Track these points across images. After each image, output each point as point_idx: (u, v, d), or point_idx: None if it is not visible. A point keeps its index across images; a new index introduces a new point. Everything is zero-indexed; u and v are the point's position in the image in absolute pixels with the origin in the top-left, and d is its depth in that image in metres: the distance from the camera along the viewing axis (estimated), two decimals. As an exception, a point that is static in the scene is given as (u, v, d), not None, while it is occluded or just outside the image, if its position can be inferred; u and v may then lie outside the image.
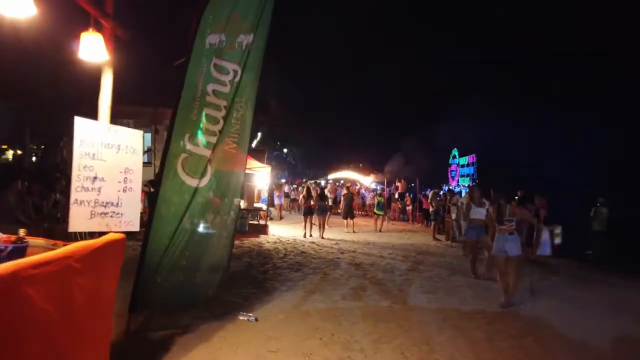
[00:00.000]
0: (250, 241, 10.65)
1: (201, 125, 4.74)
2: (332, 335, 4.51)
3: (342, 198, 16.07)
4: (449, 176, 35.76)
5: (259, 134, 36.92)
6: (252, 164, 13.23)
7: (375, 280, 7.12)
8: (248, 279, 6.70)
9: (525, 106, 31.82)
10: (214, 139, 4.80)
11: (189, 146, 4.64)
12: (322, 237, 12.81)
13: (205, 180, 4.69)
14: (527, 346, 4.65)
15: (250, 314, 4.88)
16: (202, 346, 4.05)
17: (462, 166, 34.31)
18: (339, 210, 21.85)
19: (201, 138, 4.71)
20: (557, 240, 6.21)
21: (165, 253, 4.36)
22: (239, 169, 5.00)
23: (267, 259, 8.41)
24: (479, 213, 7.57)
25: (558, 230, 6.17)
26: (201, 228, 4.59)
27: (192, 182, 4.60)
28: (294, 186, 25.59)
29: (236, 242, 10.05)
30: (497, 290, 6.92)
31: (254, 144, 36.39)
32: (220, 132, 4.82)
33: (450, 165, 36.61)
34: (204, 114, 4.76)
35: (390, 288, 6.70)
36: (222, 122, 4.83)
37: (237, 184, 4.96)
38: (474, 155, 32.65)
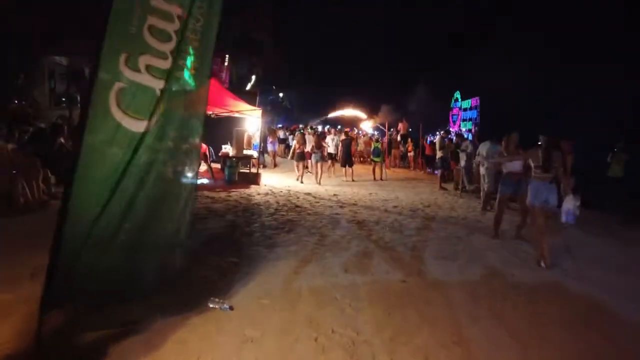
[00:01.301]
0: (238, 193, 9.35)
1: (145, 41, 3.25)
2: (331, 333, 3.28)
3: (340, 144, 14.62)
4: (450, 120, 34.11)
5: (253, 77, 34.78)
6: (241, 106, 11.67)
7: (382, 243, 5.90)
8: (229, 244, 5.44)
9: (534, 46, 29.60)
10: (165, 64, 3.31)
11: (127, 72, 3.16)
12: (319, 184, 12.02)
13: (155, 124, 3.27)
14: (591, 340, 3.47)
15: (224, 302, 3.62)
16: (148, 357, 2.83)
17: (465, 110, 32.57)
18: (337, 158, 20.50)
19: (146, 61, 3.24)
20: (577, 212, 5.60)
21: (96, 226, 3.01)
22: (199, 108, 3.55)
23: (255, 216, 7.13)
24: (515, 164, 6.23)
25: (579, 202, 5.57)
26: (148, 190, 3.22)
27: (134, 126, 3.17)
28: (300, 131, 22.74)
29: (222, 195, 8.77)
30: (526, 253, 5.76)
31: (248, 87, 34.41)
32: (173, 53, 3.33)
33: (451, 108, 34.83)
34: (147, 25, 3.26)
35: (401, 253, 5.48)
36: (175, 38, 3.33)
37: (197, 128, 3.52)
38: (477, 98, 30.85)
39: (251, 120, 12.48)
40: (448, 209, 8.98)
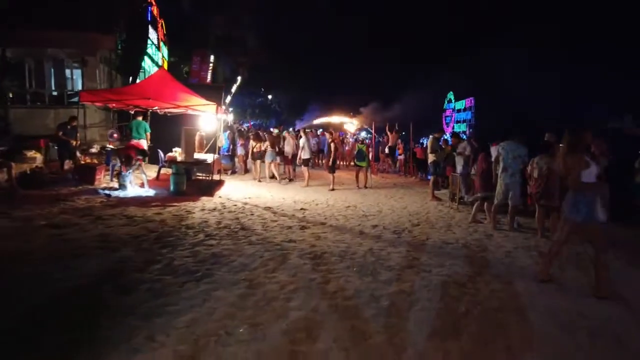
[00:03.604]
0: (176, 209, 7.04)
1: None
2: None
3: (329, 146, 12.26)
4: (444, 122, 31.91)
5: (239, 78, 32.51)
6: (193, 101, 9.34)
7: (341, 300, 3.60)
8: (76, 314, 3.14)
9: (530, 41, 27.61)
10: None
11: None
12: (259, 180, 11.71)
13: None
14: None
15: None
16: None
17: (459, 111, 30.43)
18: (319, 161, 18.25)
19: None
20: None
21: None
22: None
23: (167, 248, 4.82)
24: (589, 175, 3.96)
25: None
26: None
27: None
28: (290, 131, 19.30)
29: (149, 213, 6.48)
30: (576, 315, 3.51)
31: (233, 89, 32.06)
32: None
33: (444, 110, 32.68)
34: None
35: (368, 324, 3.18)
36: None
37: None
38: (471, 98, 28.74)
39: (206, 117, 10.16)
40: (443, 228, 6.72)
